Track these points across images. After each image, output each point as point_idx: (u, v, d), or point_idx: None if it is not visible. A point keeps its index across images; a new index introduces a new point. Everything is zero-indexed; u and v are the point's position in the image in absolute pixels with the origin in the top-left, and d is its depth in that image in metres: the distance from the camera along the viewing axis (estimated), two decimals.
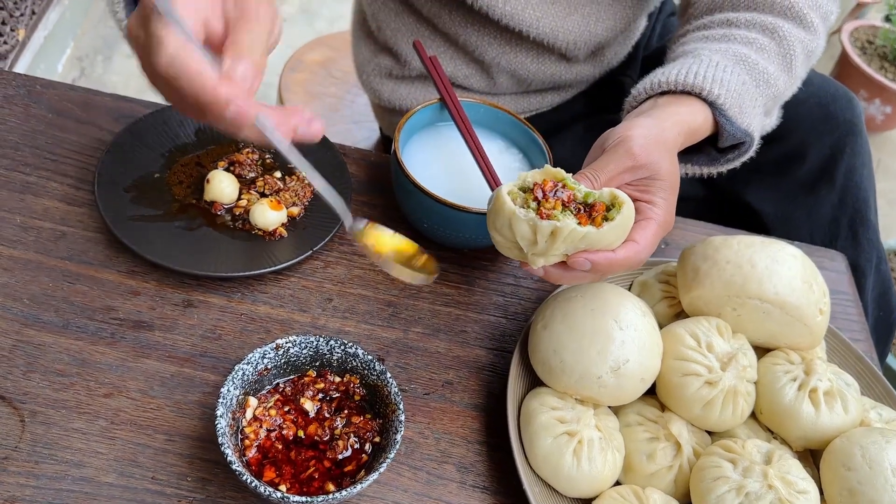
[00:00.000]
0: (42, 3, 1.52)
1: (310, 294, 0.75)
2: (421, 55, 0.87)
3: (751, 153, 0.82)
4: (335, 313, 0.74)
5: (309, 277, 0.76)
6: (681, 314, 0.77)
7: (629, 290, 0.81)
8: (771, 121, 0.85)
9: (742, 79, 0.74)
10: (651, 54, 1.16)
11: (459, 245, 0.81)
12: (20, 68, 1.47)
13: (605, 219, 0.60)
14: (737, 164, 0.83)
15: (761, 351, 0.74)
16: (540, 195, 0.60)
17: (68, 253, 0.72)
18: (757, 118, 0.78)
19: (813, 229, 0.98)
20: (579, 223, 0.59)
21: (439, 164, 0.83)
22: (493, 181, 0.77)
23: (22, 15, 1.45)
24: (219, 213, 0.78)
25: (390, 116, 1.11)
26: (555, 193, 0.60)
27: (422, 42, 0.98)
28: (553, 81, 1.05)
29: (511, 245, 0.62)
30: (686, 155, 0.82)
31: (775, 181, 0.98)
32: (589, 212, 0.60)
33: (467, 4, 0.93)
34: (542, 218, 0.58)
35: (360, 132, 1.32)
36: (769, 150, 0.96)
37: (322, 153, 0.85)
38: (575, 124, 1.08)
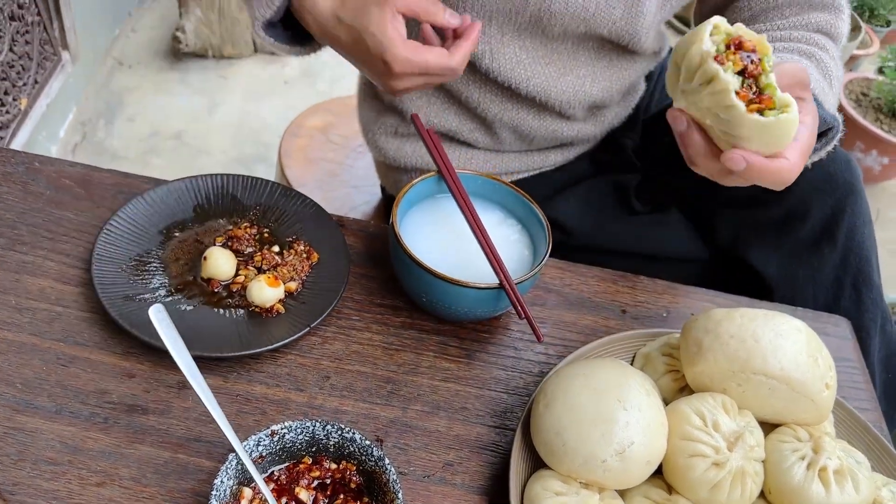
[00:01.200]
0: (45, 73, 1.54)
1: (307, 372, 0.74)
2: (418, 128, 0.87)
3: (836, 141, 0.83)
4: (333, 391, 0.73)
5: (306, 354, 0.75)
6: (685, 388, 0.75)
7: (632, 362, 0.80)
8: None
9: (813, 72, 0.80)
10: (651, 117, 1.17)
11: (459, 318, 0.81)
12: (22, 136, 1.48)
13: (760, 113, 0.59)
14: (823, 154, 0.84)
15: (768, 427, 0.72)
16: (732, 48, 0.60)
17: (63, 335, 0.71)
18: (832, 107, 0.82)
19: (816, 290, 0.97)
20: (738, 95, 0.59)
21: (438, 237, 0.82)
22: (491, 255, 0.77)
23: (24, 84, 1.47)
24: (216, 290, 0.77)
25: (395, 175, 1.11)
26: (746, 56, 0.60)
27: (427, 100, 0.99)
28: (555, 138, 1.05)
29: (674, 73, 0.63)
30: None
31: (778, 242, 0.97)
32: (757, 97, 0.60)
33: None
34: (715, 60, 0.59)
35: (359, 196, 1.33)
36: (770, 211, 0.97)
37: (320, 226, 0.85)
38: (578, 185, 1.08)
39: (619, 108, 1.09)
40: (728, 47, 0.60)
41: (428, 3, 0.79)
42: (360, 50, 0.78)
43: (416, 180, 0.82)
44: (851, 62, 2.73)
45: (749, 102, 0.59)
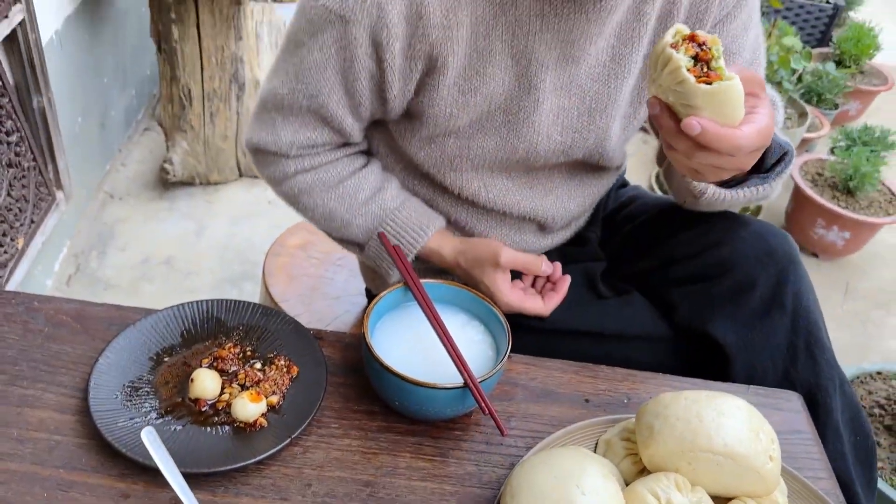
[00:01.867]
0: (40, 213, 1.64)
1: (290, 482, 0.79)
2: (385, 245, 0.97)
3: (791, 167, 0.97)
4: (315, 499, 0.78)
5: (289, 464, 0.81)
6: (644, 469, 0.81)
7: (595, 449, 0.86)
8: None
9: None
10: (609, 214, 1.28)
11: (431, 418, 0.86)
12: (19, 273, 1.56)
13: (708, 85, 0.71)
14: (784, 175, 0.98)
15: (722, 501, 0.77)
16: (688, 41, 0.72)
17: (62, 462, 0.77)
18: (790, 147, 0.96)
19: (773, 354, 1.04)
20: (689, 71, 0.71)
21: (407, 344, 0.89)
22: (455, 356, 0.84)
23: (21, 225, 1.56)
24: (203, 409, 0.83)
25: (380, 278, 1.20)
26: (697, 46, 0.72)
27: None
28: (527, 251, 1.16)
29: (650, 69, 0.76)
30: (741, 183, 0.98)
31: (732, 311, 1.05)
32: (706, 73, 0.72)
33: (455, 193, 1.08)
34: (672, 48, 0.72)
35: (340, 307, 1.40)
36: (722, 284, 1.05)
37: (299, 341, 0.92)
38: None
39: (587, 214, 1.23)
40: (685, 41, 0.73)
41: (528, 261, 1.03)
42: (472, 284, 1.03)
43: (383, 293, 0.90)
44: (804, 145, 2.89)
45: (698, 77, 0.71)
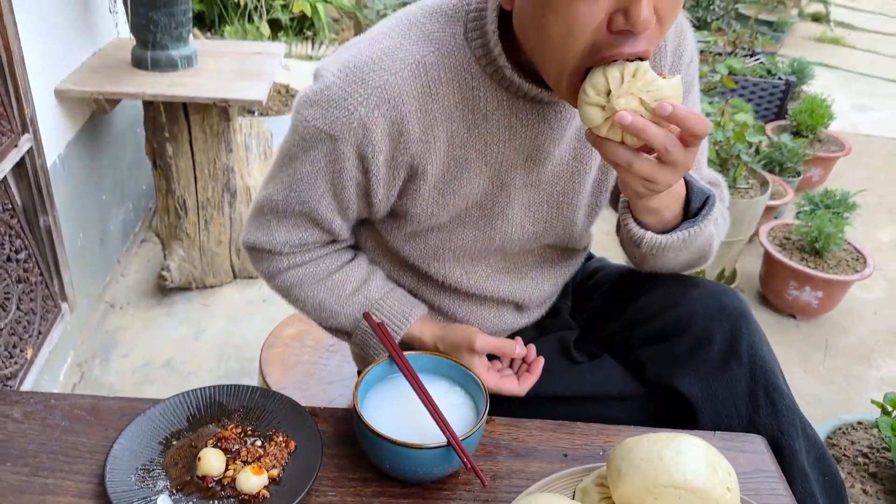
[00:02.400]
0: (47, 324, 1.73)
1: None
2: (370, 323, 1.07)
3: (715, 210, 1.09)
4: None
5: None
6: None
7: (573, 497, 0.93)
8: (716, 243, 1.17)
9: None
10: (577, 285, 1.38)
11: (420, 479, 0.94)
12: (28, 383, 1.64)
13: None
14: (709, 220, 1.08)
15: None
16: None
17: None
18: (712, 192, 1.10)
19: (736, 403, 1.12)
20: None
21: (395, 411, 0.98)
22: (437, 417, 0.92)
23: (30, 336, 1.65)
24: (210, 485, 0.91)
25: (370, 360, 1.29)
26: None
27: None
28: (506, 329, 1.28)
29: (595, 104, 0.85)
30: (675, 227, 1.10)
31: (695, 366, 1.13)
32: (660, 76, 0.85)
33: (439, 282, 1.19)
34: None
35: (335, 390, 1.48)
36: (682, 341, 1.14)
37: (296, 418, 1.00)
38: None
39: (560, 291, 1.33)
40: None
41: (502, 345, 1.12)
42: None
43: (371, 366, 0.99)
44: (770, 213, 3.03)
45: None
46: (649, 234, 1.09)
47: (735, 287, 2.85)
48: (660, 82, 0.84)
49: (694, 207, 1.08)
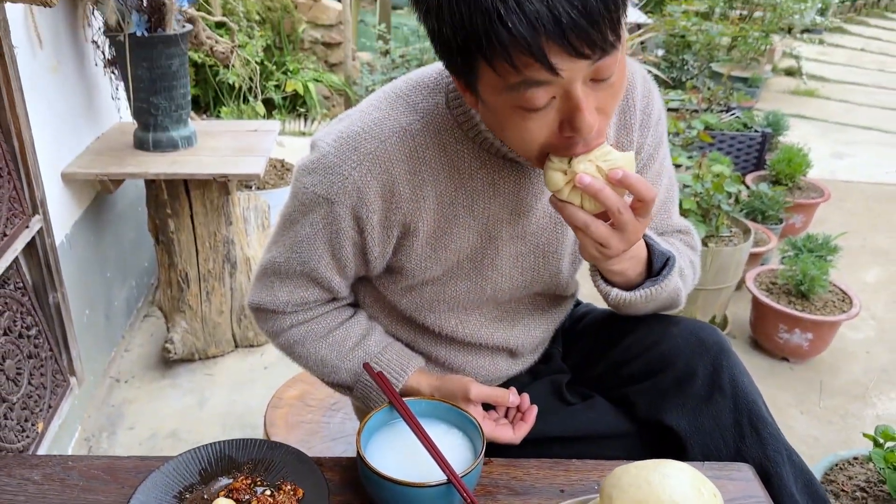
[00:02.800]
0: (57, 398, 1.78)
1: None
2: (369, 372, 1.13)
3: (675, 270, 1.16)
4: None
5: None
6: None
7: None
8: (684, 292, 1.24)
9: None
10: (567, 331, 1.45)
11: None
12: None
13: None
14: (671, 279, 1.16)
15: None
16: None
17: None
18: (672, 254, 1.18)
19: (723, 434, 1.17)
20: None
21: (396, 454, 1.03)
22: (437, 456, 0.97)
23: (41, 410, 1.70)
24: None
25: None
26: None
27: None
28: (501, 376, 1.34)
29: (558, 169, 0.95)
30: (639, 285, 1.17)
31: (681, 400, 1.19)
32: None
33: (435, 332, 1.26)
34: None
35: (338, 447, 1.52)
36: (666, 377, 1.20)
37: (302, 467, 1.05)
38: (522, 392, 1.33)
39: (552, 336, 1.40)
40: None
41: (497, 394, 1.18)
42: None
43: (372, 412, 1.05)
44: (755, 259, 3.11)
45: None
46: (614, 291, 1.18)
47: (727, 333, 2.91)
48: (615, 153, 0.95)
49: (656, 268, 1.17)
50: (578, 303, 1.50)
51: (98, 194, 2.25)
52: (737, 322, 3.03)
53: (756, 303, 2.83)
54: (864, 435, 1.87)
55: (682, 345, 1.22)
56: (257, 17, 4.69)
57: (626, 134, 1.20)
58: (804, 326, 2.71)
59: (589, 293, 1.31)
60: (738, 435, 1.18)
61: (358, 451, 0.97)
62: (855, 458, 2.00)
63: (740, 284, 3.08)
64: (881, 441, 1.84)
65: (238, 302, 2.44)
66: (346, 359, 1.23)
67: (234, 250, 2.34)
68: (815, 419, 2.53)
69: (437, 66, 1.11)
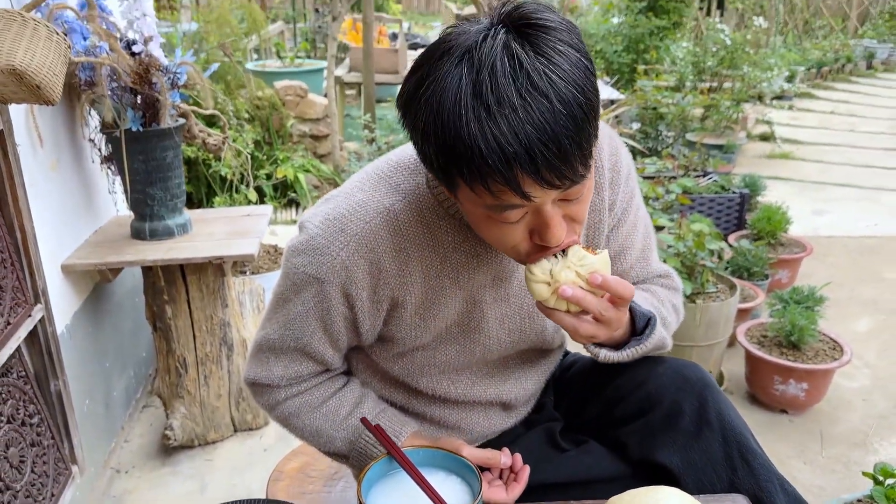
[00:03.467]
0: (59, 486, 1.79)
1: None
2: (367, 427, 1.16)
3: (658, 326, 1.22)
4: None
5: None
6: None
7: None
8: (669, 338, 1.29)
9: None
10: (557, 380, 1.48)
11: None
12: None
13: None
14: (653, 336, 1.22)
15: None
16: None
17: None
18: (653, 312, 1.24)
19: (715, 467, 1.19)
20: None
21: (396, 503, 1.05)
22: (436, 499, 1.00)
23: (44, 499, 1.70)
24: None
25: None
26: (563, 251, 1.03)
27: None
28: (496, 430, 1.37)
29: (542, 281, 1.01)
30: (626, 344, 1.23)
31: (672, 437, 1.22)
32: (591, 251, 1.03)
33: (429, 395, 1.30)
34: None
35: None
36: (654, 415, 1.23)
37: None
38: (517, 441, 1.36)
39: (541, 388, 1.44)
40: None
41: (489, 456, 1.22)
42: None
43: (371, 463, 1.08)
44: (744, 315, 3.16)
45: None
46: (603, 352, 1.23)
47: (724, 390, 2.93)
48: (590, 257, 1.03)
49: (639, 327, 1.23)
50: (567, 353, 1.54)
51: (97, 285, 2.31)
52: (733, 378, 3.05)
53: (749, 356, 2.86)
54: (864, 474, 1.88)
55: (667, 383, 1.26)
56: (246, 115, 4.87)
57: (596, 194, 1.27)
58: (798, 376, 2.74)
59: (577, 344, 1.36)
60: (730, 468, 1.20)
61: (359, 500, 1.00)
62: (859, 501, 2.00)
63: (733, 342, 3.11)
64: (881, 479, 1.85)
65: (236, 385, 2.47)
66: (341, 427, 1.26)
67: (231, 333, 2.38)
68: (819, 469, 2.52)
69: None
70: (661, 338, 1.26)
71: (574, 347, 1.53)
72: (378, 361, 1.29)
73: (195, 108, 2.22)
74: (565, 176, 0.90)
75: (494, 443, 1.36)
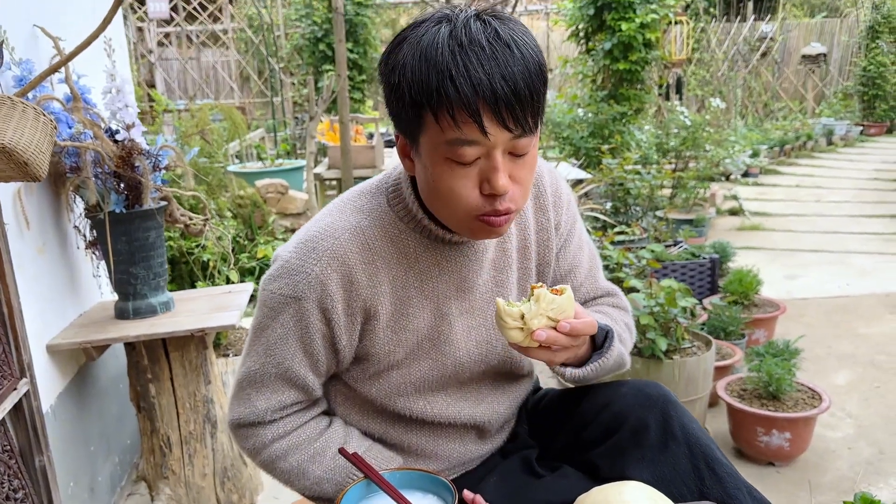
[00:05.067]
0: None
1: None
2: (345, 455, 1.20)
3: (616, 339, 1.31)
4: None
5: None
6: None
7: None
8: (626, 354, 1.37)
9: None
10: (530, 411, 1.53)
11: None
12: None
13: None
14: (613, 349, 1.30)
15: None
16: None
17: None
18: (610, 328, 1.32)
19: (684, 479, 1.24)
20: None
21: None
22: None
23: None
24: None
25: None
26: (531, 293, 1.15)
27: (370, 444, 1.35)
28: (473, 458, 1.41)
29: (515, 328, 1.12)
30: (588, 360, 1.30)
31: (640, 453, 1.26)
32: (557, 293, 1.15)
33: (407, 416, 1.34)
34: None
35: None
36: (622, 434, 1.28)
37: None
38: (494, 471, 1.40)
39: (514, 416, 1.49)
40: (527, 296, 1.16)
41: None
42: None
43: (348, 486, 1.11)
44: (725, 372, 3.21)
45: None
46: (568, 370, 1.31)
47: None
48: (558, 299, 1.15)
49: (598, 341, 1.32)
50: (539, 388, 1.59)
51: (81, 368, 2.34)
52: (717, 435, 3.07)
53: (731, 409, 2.89)
54: (845, 503, 1.90)
55: (631, 402, 1.32)
56: (229, 213, 4.99)
57: (542, 213, 1.38)
58: (780, 426, 2.77)
59: (546, 382, 1.42)
60: (698, 478, 1.25)
61: None
62: None
63: (715, 401, 3.15)
64: None
65: (220, 463, 2.46)
66: (328, 469, 1.29)
67: (214, 409, 2.40)
68: None
69: (376, 178, 1.31)
70: (620, 353, 1.32)
71: (545, 382, 1.58)
72: (356, 387, 1.33)
73: (176, 189, 2.32)
74: (517, 118, 1.06)
75: (473, 472, 1.40)
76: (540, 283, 1.15)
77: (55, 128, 1.66)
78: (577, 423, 1.36)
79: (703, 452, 1.26)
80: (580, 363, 1.30)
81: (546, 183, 1.39)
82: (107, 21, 1.67)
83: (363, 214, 1.25)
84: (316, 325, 1.23)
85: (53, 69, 1.79)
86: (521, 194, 1.15)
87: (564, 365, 1.30)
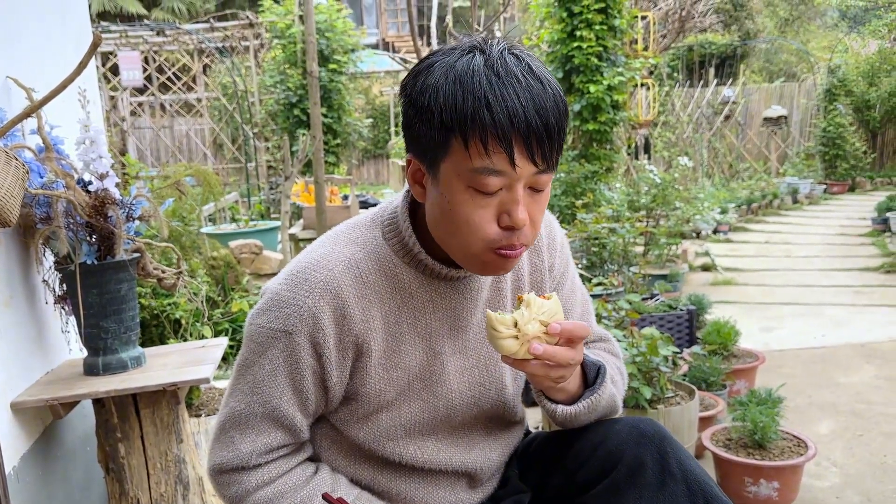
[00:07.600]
0: None
1: None
2: (329, 500, 1.14)
3: (608, 377, 1.29)
4: None
5: None
6: None
7: None
8: (619, 396, 1.35)
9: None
10: (521, 455, 1.48)
11: None
12: None
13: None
14: (606, 385, 1.28)
15: None
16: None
17: None
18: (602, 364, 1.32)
19: None
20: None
21: None
22: None
23: None
24: None
25: None
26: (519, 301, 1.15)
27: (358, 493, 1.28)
28: None
29: (509, 336, 1.07)
30: (580, 397, 1.28)
31: (637, 492, 1.22)
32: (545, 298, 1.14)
33: (395, 462, 1.27)
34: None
35: None
36: (619, 473, 1.24)
37: None
38: None
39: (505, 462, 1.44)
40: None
41: None
42: None
43: None
44: (709, 422, 3.17)
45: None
46: (560, 407, 1.28)
47: None
48: (547, 304, 1.13)
49: (590, 378, 1.30)
50: (529, 432, 1.55)
51: (47, 428, 2.23)
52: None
53: (717, 460, 2.85)
54: None
55: (626, 439, 1.28)
56: (202, 272, 4.92)
57: (537, 255, 1.36)
58: (768, 475, 2.72)
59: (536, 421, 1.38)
60: None
61: None
62: None
63: (700, 453, 3.10)
64: None
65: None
66: None
67: (186, 469, 2.30)
68: None
69: (371, 211, 1.28)
70: (612, 394, 1.29)
71: (533, 421, 1.53)
72: (343, 430, 1.28)
73: (148, 240, 2.28)
74: (545, 154, 1.06)
75: None
76: (528, 291, 1.13)
77: (27, 173, 1.62)
78: (571, 464, 1.32)
79: (702, 490, 1.22)
80: (571, 401, 1.27)
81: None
82: (82, 66, 1.66)
83: (357, 246, 1.22)
84: (307, 360, 1.18)
85: (26, 114, 1.76)
86: (533, 232, 1.14)
87: (554, 402, 1.26)
